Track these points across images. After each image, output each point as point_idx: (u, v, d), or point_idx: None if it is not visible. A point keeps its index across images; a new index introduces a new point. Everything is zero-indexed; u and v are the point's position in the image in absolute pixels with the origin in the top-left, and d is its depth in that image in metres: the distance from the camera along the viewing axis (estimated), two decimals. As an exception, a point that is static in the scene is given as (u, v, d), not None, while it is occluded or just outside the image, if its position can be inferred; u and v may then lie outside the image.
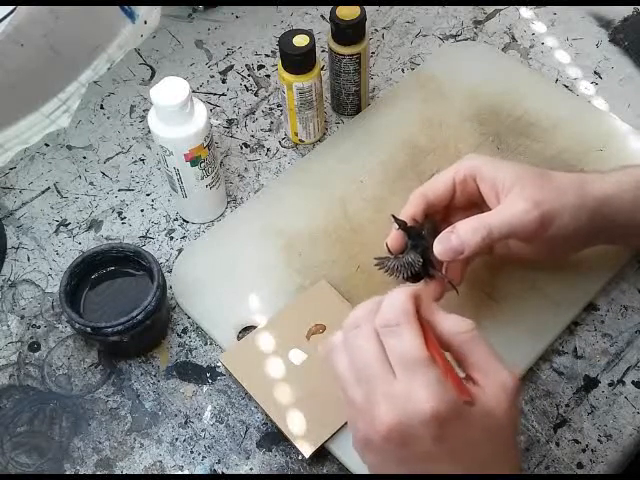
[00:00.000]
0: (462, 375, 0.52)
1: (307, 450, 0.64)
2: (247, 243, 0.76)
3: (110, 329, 0.66)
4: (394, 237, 0.63)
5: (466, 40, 0.93)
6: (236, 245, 0.76)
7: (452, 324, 0.52)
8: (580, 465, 0.64)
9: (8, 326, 0.73)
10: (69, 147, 0.86)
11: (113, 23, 0.92)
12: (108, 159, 0.85)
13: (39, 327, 0.73)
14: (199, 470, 0.65)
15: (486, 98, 0.85)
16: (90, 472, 0.66)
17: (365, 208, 0.78)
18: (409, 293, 0.51)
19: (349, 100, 0.84)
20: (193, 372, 0.70)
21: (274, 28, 0.95)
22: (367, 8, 0.78)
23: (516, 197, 0.61)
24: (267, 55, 0.93)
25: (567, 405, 0.67)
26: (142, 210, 0.81)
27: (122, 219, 0.80)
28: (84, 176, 0.84)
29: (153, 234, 0.79)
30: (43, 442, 0.67)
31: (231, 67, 0.92)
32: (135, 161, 0.85)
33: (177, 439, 0.67)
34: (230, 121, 0.87)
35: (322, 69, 0.81)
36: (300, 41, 0.75)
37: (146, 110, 0.88)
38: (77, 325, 0.66)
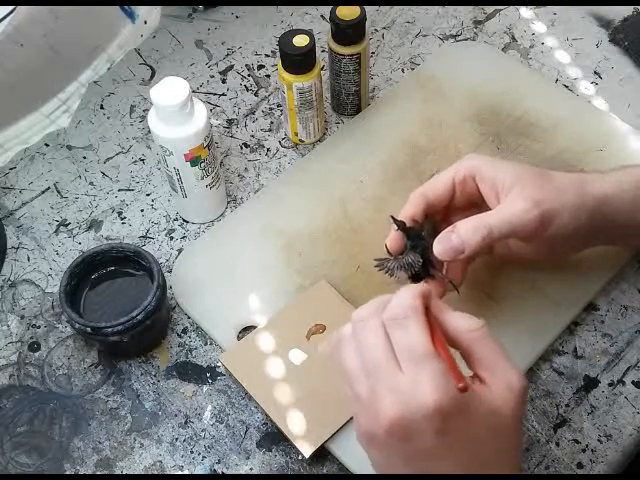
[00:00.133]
0: (470, 374, 0.52)
1: (307, 450, 0.64)
2: (247, 243, 0.76)
3: (110, 329, 0.66)
4: (393, 238, 0.63)
5: (466, 40, 0.93)
6: (236, 245, 0.76)
7: (461, 322, 0.52)
8: (580, 465, 0.64)
9: (8, 326, 0.73)
10: (69, 147, 0.86)
11: (113, 23, 0.92)
12: (108, 159, 0.85)
13: (39, 327, 0.73)
14: (199, 470, 0.65)
15: (486, 98, 0.85)
16: (90, 472, 0.66)
17: (365, 208, 0.78)
18: (418, 291, 0.52)
19: (349, 100, 0.84)
20: (193, 372, 0.70)
21: (274, 28, 0.95)
22: (367, 8, 0.78)
23: (516, 197, 0.61)
24: (267, 55, 0.93)
25: (567, 405, 0.67)
26: (142, 210, 0.81)
27: (122, 219, 0.80)
28: (84, 176, 0.84)
29: (153, 234, 0.79)
30: (43, 442, 0.67)
31: (231, 67, 0.92)
32: (135, 161, 0.85)
33: (177, 439, 0.67)
34: (230, 121, 0.87)
35: (322, 69, 0.81)
36: (300, 41, 0.75)
37: (146, 110, 0.88)
38: (77, 325, 0.66)
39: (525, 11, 0.95)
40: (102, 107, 0.89)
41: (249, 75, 0.91)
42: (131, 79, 0.91)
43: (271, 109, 0.88)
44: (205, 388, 0.69)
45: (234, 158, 0.84)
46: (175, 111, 0.68)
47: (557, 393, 0.68)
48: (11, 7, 0.80)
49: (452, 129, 0.83)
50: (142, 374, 0.70)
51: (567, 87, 0.88)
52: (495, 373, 0.51)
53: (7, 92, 0.83)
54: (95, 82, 0.91)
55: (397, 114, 0.85)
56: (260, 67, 0.92)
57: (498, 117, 0.84)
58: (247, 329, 0.71)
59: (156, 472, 0.65)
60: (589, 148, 0.80)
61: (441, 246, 0.60)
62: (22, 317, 0.74)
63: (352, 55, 0.79)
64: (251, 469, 0.65)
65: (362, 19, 0.77)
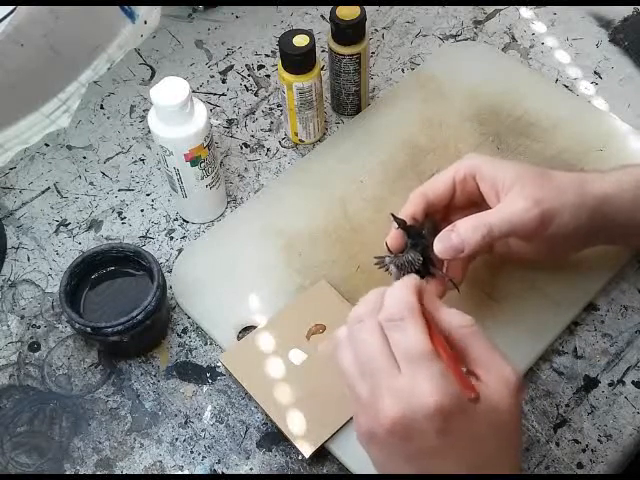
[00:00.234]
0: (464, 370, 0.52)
1: (307, 450, 0.64)
2: (247, 243, 0.76)
3: (110, 329, 0.66)
4: (394, 236, 0.63)
5: (466, 40, 0.93)
6: (236, 245, 0.76)
7: (453, 318, 0.52)
8: (580, 465, 0.64)
9: (8, 326, 0.73)
10: (69, 147, 0.86)
11: (113, 23, 0.92)
12: (108, 159, 0.85)
13: (39, 327, 0.73)
14: (199, 470, 0.65)
15: (486, 98, 0.85)
16: (90, 472, 0.66)
17: (365, 208, 0.78)
18: (412, 286, 0.51)
19: (349, 100, 0.84)
20: (193, 372, 0.70)
21: (274, 28, 0.95)
22: (367, 8, 0.78)
23: (516, 196, 0.61)
24: (267, 55, 0.93)
25: (567, 405, 0.67)
26: (142, 210, 0.81)
27: (122, 219, 0.80)
28: (84, 176, 0.84)
29: (153, 234, 0.79)
30: (43, 442, 0.67)
31: (231, 67, 0.92)
32: (135, 161, 0.85)
33: (177, 439, 0.67)
34: (230, 121, 0.87)
35: (322, 69, 0.81)
36: (300, 41, 0.75)
37: (146, 110, 0.88)
38: (77, 325, 0.66)
39: (525, 11, 0.95)
40: (102, 107, 0.89)
41: (249, 75, 0.91)
42: (131, 79, 0.91)
43: (271, 109, 0.88)
44: (205, 388, 0.69)
45: (234, 158, 0.84)
46: (175, 111, 0.68)
47: (557, 393, 0.68)
48: (11, 7, 0.80)
49: (452, 129, 0.83)
50: (142, 374, 0.70)
51: (567, 87, 0.88)
52: (490, 370, 0.51)
53: (7, 92, 0.83)
54: (95, 82, 0.91)
55: (397, 114, 0.85)
56: (260, 67, 0.92)
57: (498, 117, 0.84)
58: (247, 329, 0.71)
59: (156, 472, 0.65)
60: (589, 148, 0.80)
61: (441, 244, 0.60)
62: (22, 317, 0.74)
63: (352, 55, 0.79)
64: (251, 469, 0.65)
65: (362, 19, 0.77)
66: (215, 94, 0.90)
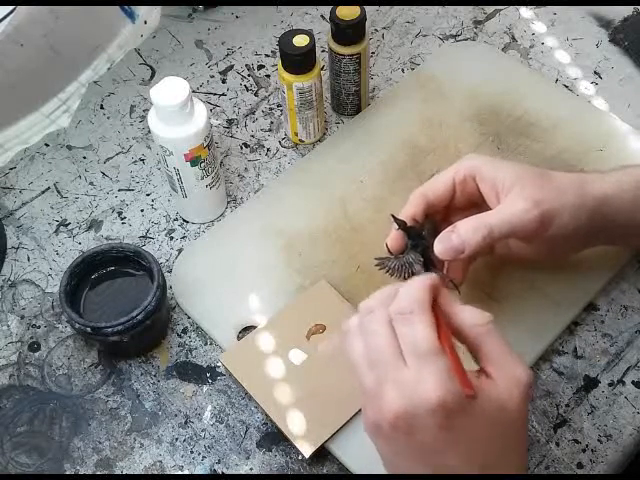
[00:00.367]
0: (476, 368, 0.52)
1: (307, 450, 0.64)
2: (247, 243, 0.76)
3: (110, 329, 0.66)
4: (394, 237, 0.63)
5: (466, 40, 0.93)
6: (236, 245, 0.76)
7: (469, 316, 0.52)
8: (580, 465, 0.64)
9: (8, 326, 0.73)
10: (69, 147, 0.86)
11: (113, 23, 0.92)
12: (108, 159, 0.85)
13: (39, 327, 0.73)
14: (199, 470, 0.65)
15: (486, 98, 0.85)
16: (90, 472, 0.66)
17: (365, 208, 0.78)
18: (427, 283, 0.52)
19: (349, 100, 0.84)
20: (193, 372, 0.70)
21: (274, 28, 0.95)
22: (367, 8, 0.78)
23: (516, 196, 0.61)
24: (267, 55, 0.93)
25: (567, 405, 0.67)
26: (142, 210, 0.81)
27: (122, 219, 0.80)
28: (84, 176, 0.84)
29: (153, 234, 0.79)
30: (43, 442, 0.67)
31: (231, 67, 0.92)
32: (135, 161, 0.85)
33: (177, 439, 0.67)
34: (230, 121, 0.87)
35: (322, 69, 0.81)
36: (300, 41, 0.75)
37: (146, 110, 0.88)
38: (77, 325, 0.66)
39: (525, 11, 0.95)
40: (102, 107, 0.89)
41: (249, 75, 0.91)
42: (131, 79, 0.91)
43: (271, 109, 0.88)
44: (205, 388, 0.69)
45: (234, 158, 0.84)
46: (175, 111, 0.68)
47: (557, 393, 0.68)
48: (11, 7, 0.80)
49: (452, 129, 0.83)
50: (142, 374, 0.70)
51: (567, 87, 0.88)
52: (502, 368, 0.51)
53: (7, 92, 0.83)
54: (95, 82, 0.91)
55: (397, 114, 0.85)
56: (260, 67, 0.92)
57: (498, 117, 0.84)
58: (247, 329, 0.71)
59: (156, 472, 0.65)
60: (589, 148, 0.80)
61: (441, 245, 0.60)
62: (22, 317, 0.74)
63: (352, 55, 0.79)
64: (251, 469, 0.65)
65: (362, 19, 0.77)
66: (215, 94, 0.90)
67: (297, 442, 0.64)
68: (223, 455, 0.66)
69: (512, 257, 0.68)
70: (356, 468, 0.64)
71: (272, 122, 0.87)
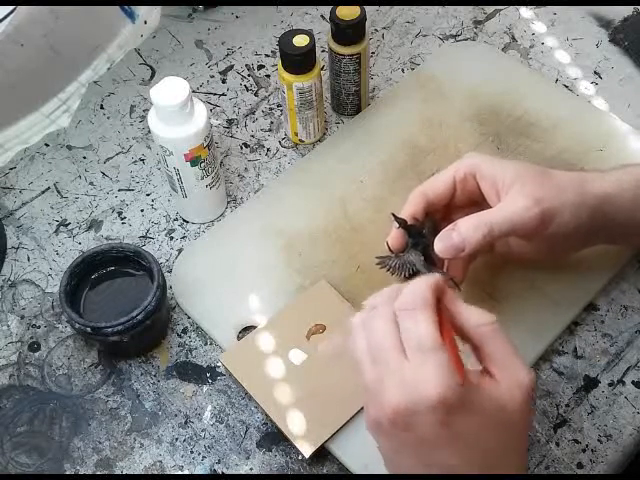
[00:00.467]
0: (479, 368, 0.52)
1: (307, 450, 0.64)
2: (247, 243, 0.76)
3: (110, 329, 0.66)
4: (394, 236, 0.63)
5: (466, 40, 0.93)
6: (236, 245, 0.76)
7: (474, 316, 0.52)
8: (580, 465, 0.64)
9: (8, 326, 0.73)
10: (69, 147, 0.86)
11: (113, 23, 0.92)
12: (108, 159, 0.85)
13: (39, 327, 0.73)
14: (199, 470, 0.65)
15: (486, 98, 0.85)
16: (90, 472, 0.66)
17: (365, 208, 0.78)
18: (431, 282, 0.52)
19: (349, 100, 0.84)
20: (193, 372, 0.70)
21: (274, 28, 0.95)
22: (367, 8, 0.78)
23: (516, 194, 0.61)
24: (267, 55, 0.93)
25: (567, 405, 0.67)
26: (142, 210, 0.81)
27: (122, 219, 0.80)
28: (84, 176, 0.84)
29: (153, 234, 0.79)
30: (43, 442, 0.67)
31: (231, 67, 0.92)
32: (135, 161, 0.85)
33: (177, 439, 0.67)
34: (230, 121, 0.87)
35: (322, 69, 0.81)
36: (300, 41, 0.75)
37: (146, 110, 0.88)
38: (77, 325, 0.66)
39: (525, 11, 0.95)
40: (102, 107, 0.89)
41: (249, 75, 0.91)
42: (131, 79, 0.91)
43: (271, 109, 0.88)
44: (205, 388, 0.69)
45: (234, 158, 0.84)
46: (175, 111, 0.68)
47: (557, 393, 0.68)
48: (11, 7, 0.80)
49: (452, 129, 0.83)
50: (142, 374, 0.70)
51: (567, 87, 0.88)
52: (505, 369, 0.51)
53: (7, 92, 0.83)
54: (95, 82, 0.91)
55: (397, 114, 0.85)
56: (260, 67, 0.92)
57: (498, 117, 0.84)
58: (247, 329, 0.71)
59: (156, 472, 0.65)
60: (589, 148, 0.80)
61: (442, 244, 0.60)
62: (22, 317, 0.74)
63: (352, 55, 0.79)
64: (251, 469, 0.65)
65: (362, 19, 0.77)
66: (215, 94, 0.90)
67: (297, 442, 0.64)
68: (223, 455, 0.66)
69: (512, 256, 0.68)
70: (356, 468, 0.64)
71: (272, 122, 0.87)
